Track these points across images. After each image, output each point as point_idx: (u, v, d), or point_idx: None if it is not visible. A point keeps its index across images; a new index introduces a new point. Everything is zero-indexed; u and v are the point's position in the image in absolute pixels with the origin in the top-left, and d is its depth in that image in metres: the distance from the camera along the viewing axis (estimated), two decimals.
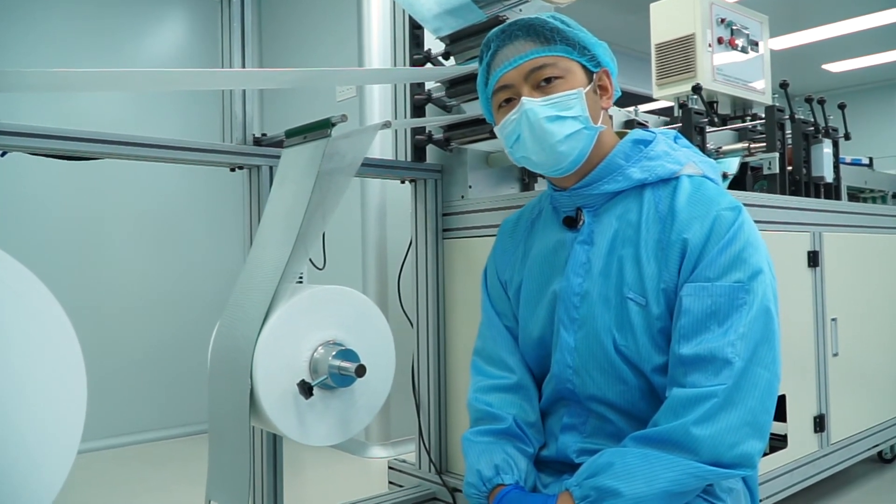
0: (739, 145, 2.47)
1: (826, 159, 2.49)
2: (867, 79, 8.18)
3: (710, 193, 1.21)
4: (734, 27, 2.73)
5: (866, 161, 3.03)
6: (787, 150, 2.43)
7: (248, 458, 1.42)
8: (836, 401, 2.31)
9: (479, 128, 2.07)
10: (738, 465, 1.08)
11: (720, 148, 2.50)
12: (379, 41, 3.17)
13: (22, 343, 1.10)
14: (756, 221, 1.24)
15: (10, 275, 1.10)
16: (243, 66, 1.99)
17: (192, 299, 3.57)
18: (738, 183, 2.54)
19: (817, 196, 2.49)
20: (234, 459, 1.45)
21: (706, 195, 1.21)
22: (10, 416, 1.07)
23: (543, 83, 1.24)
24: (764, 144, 2.39)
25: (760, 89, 2.83)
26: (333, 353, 1.44)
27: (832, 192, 2.56)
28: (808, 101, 2.55)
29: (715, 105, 2.73)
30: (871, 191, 3.04)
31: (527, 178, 2.37)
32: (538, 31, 1.25)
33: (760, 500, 1.89)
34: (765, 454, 2.05)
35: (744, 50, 2.76)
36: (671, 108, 2.87)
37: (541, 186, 2.33)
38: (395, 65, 2.30)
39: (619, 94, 1.34)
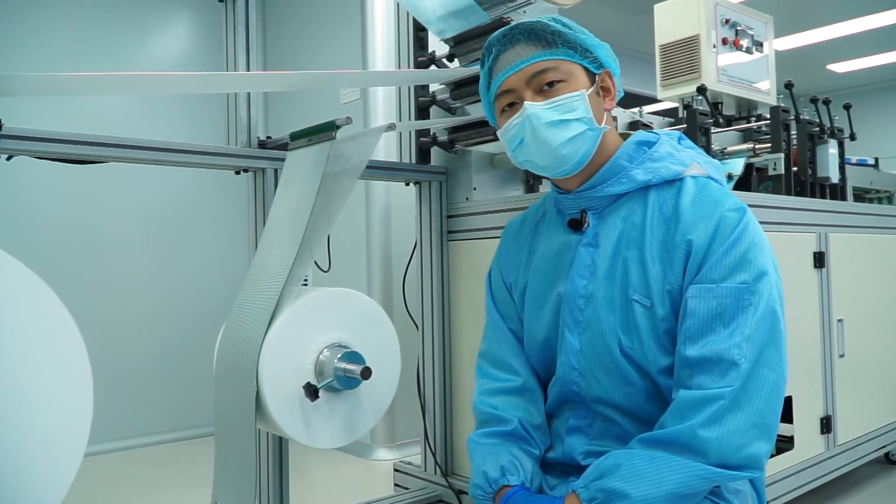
0: (744, 146, 2.47)
1: (831, 160, 2.48)
2: (872, 79, 8.16)
3: (715, 194, 1.21)
4: (739, 28, 2.72)
5: (872, 161, 3.02)
6: (793, 150, 2.42)
7: (253, 461, 1.42)
8: (843, 402, 2.30)
9: (484, 130, 2.07)
10: (745, 467, 1.08)
11: (725, 149, 2.50)
12: (383, 43, 3.18)
13: (28, 347, 1.10)
14: (761, 222, 1.24)
15: (16, 278, 1.11)
16: (248, 70, 2.00)
17: (197, 302, 3.57)
18: (743, 184, 2.53)
19: (823, 197, 2.48)
20: (240, 462, 1.45)
21: (711, 196, 1.21)
22: (17, 419, 1.07)
23: (546, 87, 1.24)
24: (769, 145, 2.38)
25: (765, 90, 2.83)
26: (339, 355, 1.44)
27: (837, 192, 2.55)
28: (814, 101, 2.54)
29: (720, 106, 2.73)
30: (877, 191, 3.03)
31: (531, 180, 2.37)
32: (539, 35, 1.25)
33: (768, 502, 1.88)
34: (771, 456, 2.04)
35: (748, 50, 2.76)
36: (676, 109, 2.86)
37: (545, 188, 2.33)
38: (399, 67, 2.30)
39: (622, 94, 1.34)
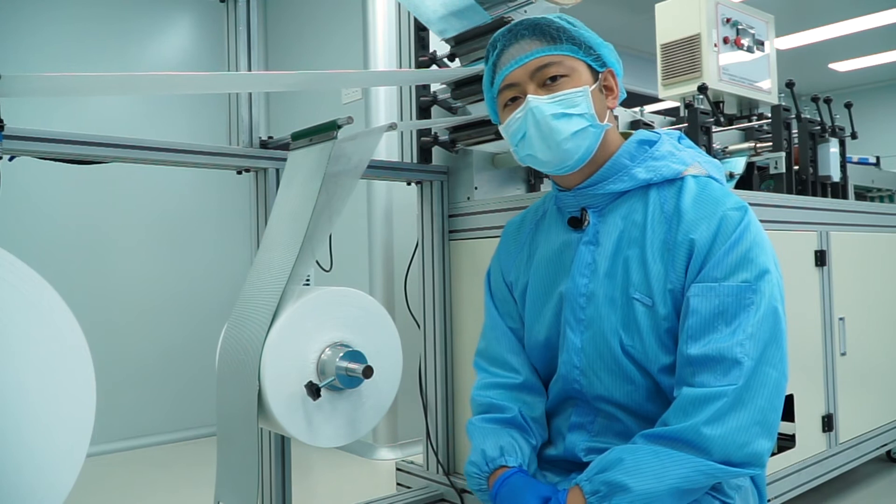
0: (746, 145, 2.47)
1: (833, 158, 2.48)
2: (874, 78, 8.15)
3: (716, 194, 1.21)
4: (740, 27, 2.72)
5: (873, 160, 3.02)
6: (794, 149, 2.42)
7: (256, 460, 1.42)
8: (844, 400, 2.30)
9: (485, 129, 2.08)
10: (747, 464, 1.08)
11: (726, 148, 2.50)
12: (384, 43, 3.18)
13: (31, 347, 1.10)
14: (763, 221, 1.24)
15: (18, 279, 1.11)
16: (249, 70, 2.00)
17: (199, 302, 3.58)
18: (744, 182, 2.53)
19: (824, 195, 2.48)
20: (242, 461, 1.46)
21: (712, 195, 1.21)
22: (20, 420, 1.08)
23: (549, 81, 1.24)
24: (770, 144, 2.38)
25: (766, 89, 2.83)
26: (341, 354, 1.45)
27: (839, 191, 2.55)
28: (815, 100, 2.54)
29: (721, 105, 2.73)
30: (879, 190, 3.03)
31: (532, 180, 2.37)
32: (544, 31, 1.25)
33: (769, 501, 1.89)
34: (773, 454, 2.04)
35: (750, 49, 2.76)
36: (677, 108, 2.86)
37: (546, 187, 2.33)
38: (400, 67, 2.30)
39: (625, 95, 1.35)
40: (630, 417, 1.25)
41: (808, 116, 2.46)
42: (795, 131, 2.45)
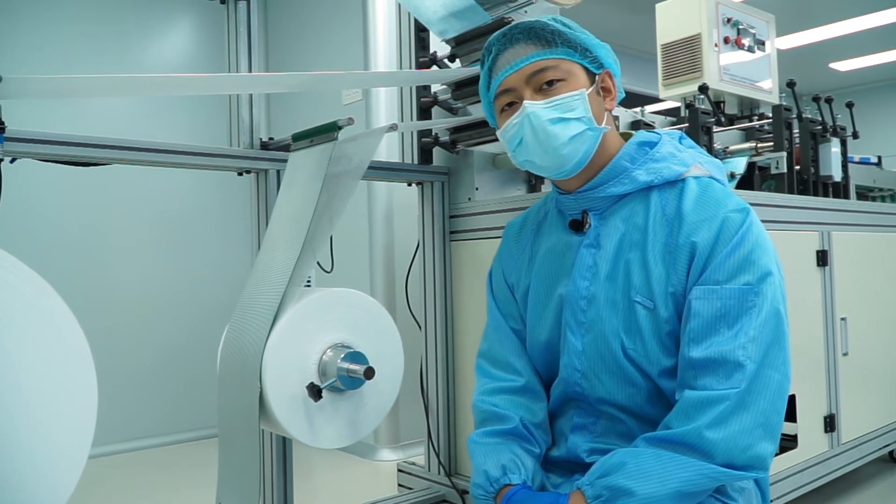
0: (747, 145, 2.47)
1: (834, 158, 2.48)
2: (875, 77, 8.15)
3: (718, 195, 1.21)
4: (740, 27, 2.72)
5: (875, 160, 3.02)
6: (795, 149, 2.42)
7: (257, 462, 1.42)
8: (847, 401, 2.30)
9: (486, 130, 2.08)
10: (750, 468, 1.08)
11: (727, 148, 2.49)
12: (384, 44, 3.18)
13: (32, 349, 1.10)
14: (764, 221, 1.24)
15: (19, 280, 1.11)
16: (250, 71, 2.00)
17: (200, 303, 3.58)
18: (745, 182, 2.53)
19: (825, 195, 2.48)
20: (244, 462, 1.46)
21: (713, 197, 1.20)
22: (21, 422, 1.08)
23: (545, 86, 1.24)
24: (771, 144, 2.38)
25: (767, 89, 2.82)
26: (342, 355, 1.45)
27: (840, 191, 2.55)
28: (816, 100, 2.54)
29: (722, 105, 2.73)
30: (880, 189, 3.03)
31: (533, 180, 2.37)
32: (538, 34, 1.25)
33: (771, 501, 1.88)
34: (775, 454, 2.04)
35: (750, 49, 2.76)
36: (678, 108, 2.86)
37: (547, 188, 2.33)
38: (400, 67, 2.30)
39: (623, 95, 1.34)
40: (632, 419, 1.25)
41: (810, 116, 2.46)
42: (797, 131, 2.45)
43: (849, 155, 2.61)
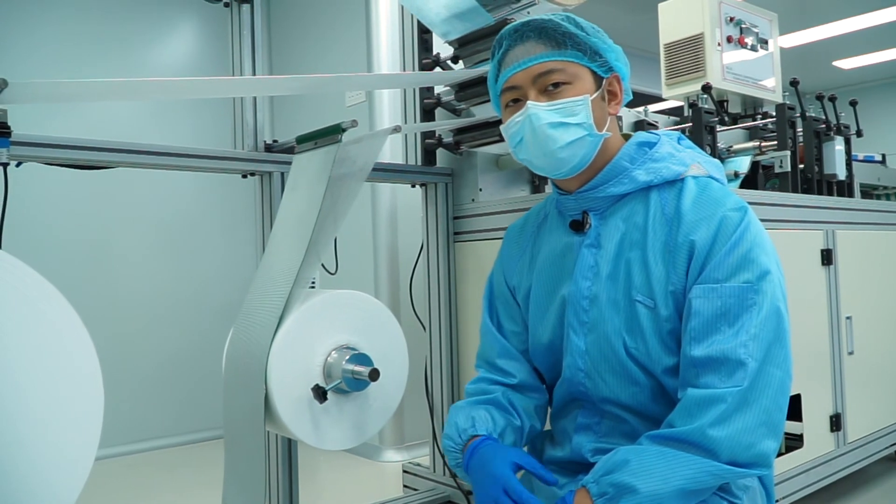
0: (750, 144, 2.47)
1: (838, 157, 2.48)
2: (879, 75, 8.12)
3: (716, 194, 1.21)
4: (743, 25, 2.72)
5: (879, 158, 3.02)
6: (799, 148, 2.42)
7: (263, 463, 1.43)
8: (852, 400, 2.30)
9: (489, 131, 2.08)
10: (754, 465, 1.08)
11: (731, 147, 2.49)
12: (388, 46, 3.18)
13: (38, 351, 1.11)
14: (768, 220, 1.24)
15: (26, 283, 1.12)
16: (254, 74, 2.01)
17: (205, 305, 3.59)
18: (749, 182, 2.53)
19: (830, 194, 2.47)
20: (249, 464, 1.46)
21: (712, 196, 1.21)
22: (28, 425, 1.08)
23: (550, 88, 1.24)
24: (775, 143, 2.38)
25: (771, 87, 2.82)
26: (347, 357, 1.45)
27: (845, 189, 2.54)
28: (819, 98, 2.54)
29: (725, 104, 2.73)
30: (885, 187, 3.03)
31: (537, 181, 2.37)
32: (550, 34, 1.25)
33: (777, 500, 1.88)
34: (780, 454, 2.04)
35: (753, 48, 2.76)
36: (681, 107, 2.86)
37: (551, 189, 2.33)
38: (403, 69, 2.31)
39: (630, 98, 1.34)
40: (636, 418, 1.25)
41: (813, 115, 2.46)
42: (800, 130, 2.45)
43: (853, 153, 2.61)
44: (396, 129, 1.62)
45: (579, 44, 1.24)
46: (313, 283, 1.63)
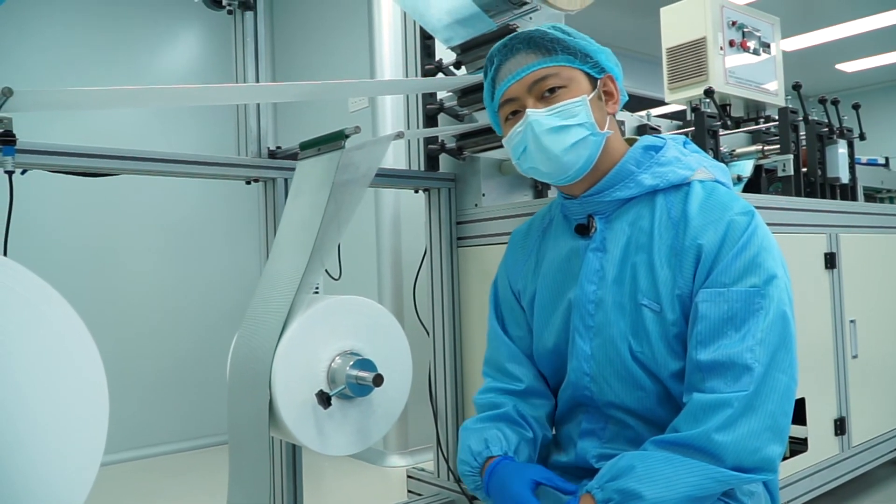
0: (753, 148, 2.47)
1: (841, 160, 2.48)
2: (881, 78, 8.11)
3: (723, 198, 1.21)
4: (746, 29, 2.72)
5: (882, 161, 3.01)
6: (802, 151, 2.42)
7: (267, 468, 1.43)
8: (857, 403, 2.29)
9: (492, 136, 2.08)
10: (759, 470, 1.08)
11: (734, 150, 2.50)
12: (390, 52, 3.19)
13: (43, 357, 1.11)
14: (772, 224, 1.24)
15: (31, 290, 1.12)
16: (257, 80, 2.01)
17: (210, 311, 3.59)
18: (752, 185, 2.53)
19: (833, 197, 2.47)
20: (254, 469, 1.46)
21: (719, 200, 1.21)
22: (33, 431, 1.09)
23: (547, 94, 1.25)
24: (778, 146, 2.38)
25: (773, 91, 2.82)
26: (351, 362, 1.45)
27: (848, 192, 2.54)
28: (822, 101, 2.54)
29: (728, 108, 2.73)
30: (888, 191, 3.02)
31: (540, 186, 2.37)
32: (538, 43, 1.26)
33: None
34: (785, 458, 2.04)
35: (756, 52, 2.76)
36: (683, 111, 2.86)
37: (554, 193, 2.33)
38: (406, 75, 2.31)
39: (627, 98, 1.35)
40: (641, 423, 1.25)
41: (816, 118, 2.46)
42: (803, 133, 2.45)
43: (856, 156, 2.61)
44: (399, 135, 1.63)
45: (568, 48, 1.26)
46: (317, 288, 1.63)
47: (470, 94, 2.07)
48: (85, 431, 1.13)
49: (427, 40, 2.27)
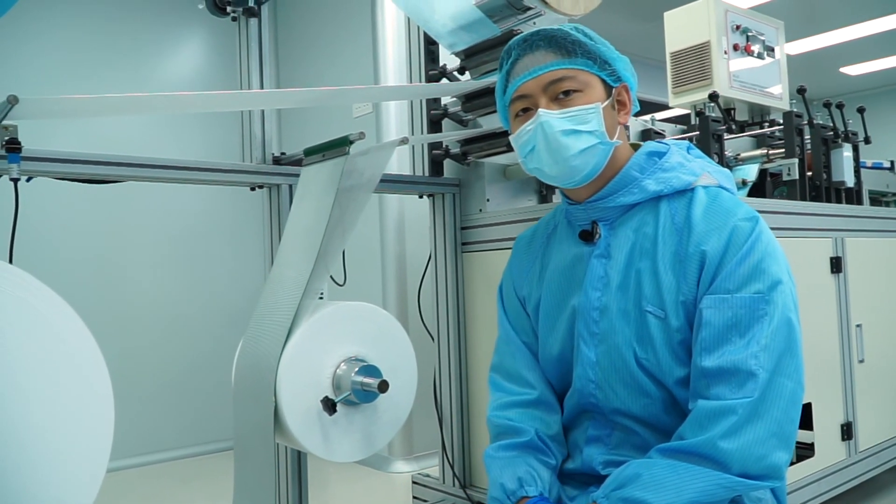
0: (758, 152, 2.46)
1: (846, 164, 2.47)
2: (886, 81, 8.10)
3: (727, 204, 1.21)
4: (750, 33, 2.72)
5: (888, 164, 3.00)
6: (807, 155, 2.41)
7: (273, 475, 1.43)
8: (864, 408, 2.28)
9: (496, 141, 2.08)
10: (766, 477, 1.08)
11: (738, 155, 2.49)
12: (394, 57, 3.20)
13: (48, 364, 1.11)
14: (777, 228, 1.24)
15: (36, 297, 1.12)
16: (261, 87, 2.02)
17: (215, 318, 3.60)
18: (757, 189, 2.52)
19: (838, 201, 2.46)
20: (259, 476, 1.46)
21: (723, 206, 1.20)
22: (38, 440, 1.09)
23: (561, 96, 1.24)
24: (783, 150, 2.37)
25: (778, 95, 2.82)
26: (356, 369, 1.45)
27: (853, 196, 2.54)
28: (827, 105, 2.53)
29: (732, 112, 2.72)
30: (894, 194, 3.01)
31: (544, 191, 2.37)
32: (560, 43, 1.25)
33: None
34: (792, 463, 2.03)
35: (760, 56, 2.75)
36: (688, 115, 2.86)
37: (558, 198, 2.33)
38: (410, 81, 2.31)
39: (638, 108, 1.34)
40: (647, 430, 1.25)
41: (821, 122, 2.46)
42: (808, 137, 2.44)
43: (861, 160, 2.60)
44: (404, 141, 1.63)
45: (589, 52, 1.25)
46: (322, 294, 1.63)
47: (474, 100, 2.08)
48: (91, 438, 1.13)
49: (431, 46, 2.27)
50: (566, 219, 1.38)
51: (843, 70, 7.63)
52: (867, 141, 2.63)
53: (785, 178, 2.35)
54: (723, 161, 2.23)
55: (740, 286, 1.13)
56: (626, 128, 1.37)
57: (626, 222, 1.27)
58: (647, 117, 2.45)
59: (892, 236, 2.55)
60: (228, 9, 2.00)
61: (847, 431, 2.21)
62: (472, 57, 2.05)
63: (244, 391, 1.51)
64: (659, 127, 2.44)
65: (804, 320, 1.18)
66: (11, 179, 1.42)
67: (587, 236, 1.30)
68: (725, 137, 2.28)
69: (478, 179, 2.24)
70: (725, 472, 1.06)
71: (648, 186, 1.25)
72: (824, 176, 2.43)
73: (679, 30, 2.73)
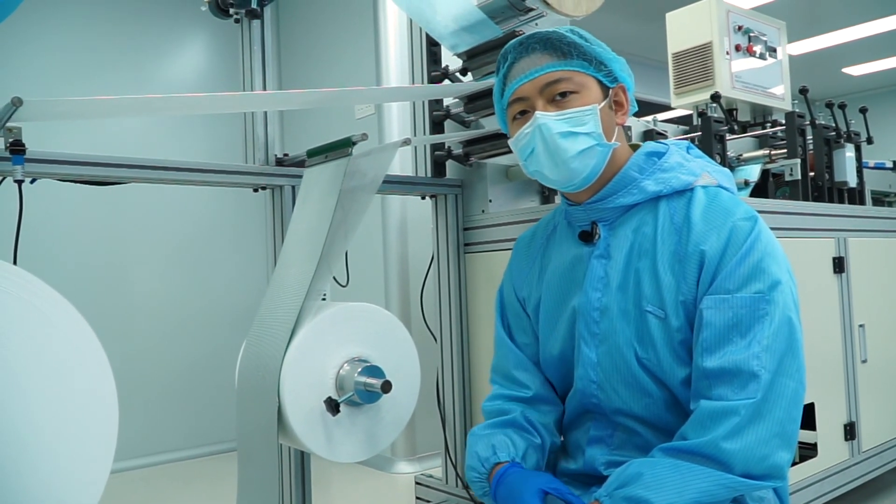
0: (760, 152, 2.47)
1: (849, 164, 2.47)
2: (888, 81, 8.10)
3: (726, 204, 1.21)
4: (752, 34, 2.72)
5: (890, 164, 3.00)
6: (809, 155, 2.41)
7: (276, 476, 1.43)
8: (867, 408, 2.28)
9: (498, 142, 2.08)
10: (768, 477, 1.08)
11: (741, 155, 2.49)
12: (396, 59, 3.20)
13: (53, 366, 1.12)
14: (779, 228, 1.24)
15: (40, 299, 1.13)
16: (264, 88, 2.02)
17: (218, 319, 3.60)
18: (759, 190, 2.53)
19: (841, 201, 2.46)
20: (262, 477, 1.47)
21: (722, 206, 1.20)
22: (42, 441, 1.09)
23: (558, 97, 1.24)
24: (785, 151, 2.37)
25: (780, 95, 2.82)
26: (359, 369, 1.45)
27: (856, 196, 2.54)
28: (829, 106, 2.53)
29: (734, 112, 2.73)
30: None
31: (546, 191, 2.37)
32: (555, 45, 1.25)
33: None
34: (795, 463, 2.03)
35: (762, 56, 2.76)
36: (690, 116, 2.86)
37: (560, 199, 2.33)
38: (412, 82, 2.32)
39: (636, 109, 1.34)
40: (649, 430, 1.25)
41: (823, 122, 2.46)
42: (810, 137, 2.45)
43: (863, 160, 2.60)
44: (406, 142, 1.63)
45: (584, 54, 1.25)
46: (325, 295, 1.63)
47: (476, 101, 2.08)
48: (95, 440, 1.14)
49: (433, 47, 2.27)
50: (566, 219, 1.38)
51: (845, 70, 7.63)
52: (869, 141, 2.63)
53: (787, 178, 2.35)
54: (725, 161, 2.23)
55: (740, 286, 1.13)
56: (626, 128, 1.37)
57: (625, 223, 1.28)
58: (650, 118, 2.46)
59: (894, 236, 2.55)
60: (231, 10, 2.00)
61: (850, 432, 2.21)
62: (474, 58, 2.06)
63: (247, 392, 1.51)
64: (661, 128, 2.44)
65: (807, 320, 1.18)
66: (16, 181, 1.42)
67: (587, 237, 1.30)
68: (728, 138, 2.28)
69: (480, 180, 2.25)
70: (728, 473, 1.06)
71: (648, 187, 1.25)
72: (826, 176, 2.44)
73: (681, 30, 2.73)
